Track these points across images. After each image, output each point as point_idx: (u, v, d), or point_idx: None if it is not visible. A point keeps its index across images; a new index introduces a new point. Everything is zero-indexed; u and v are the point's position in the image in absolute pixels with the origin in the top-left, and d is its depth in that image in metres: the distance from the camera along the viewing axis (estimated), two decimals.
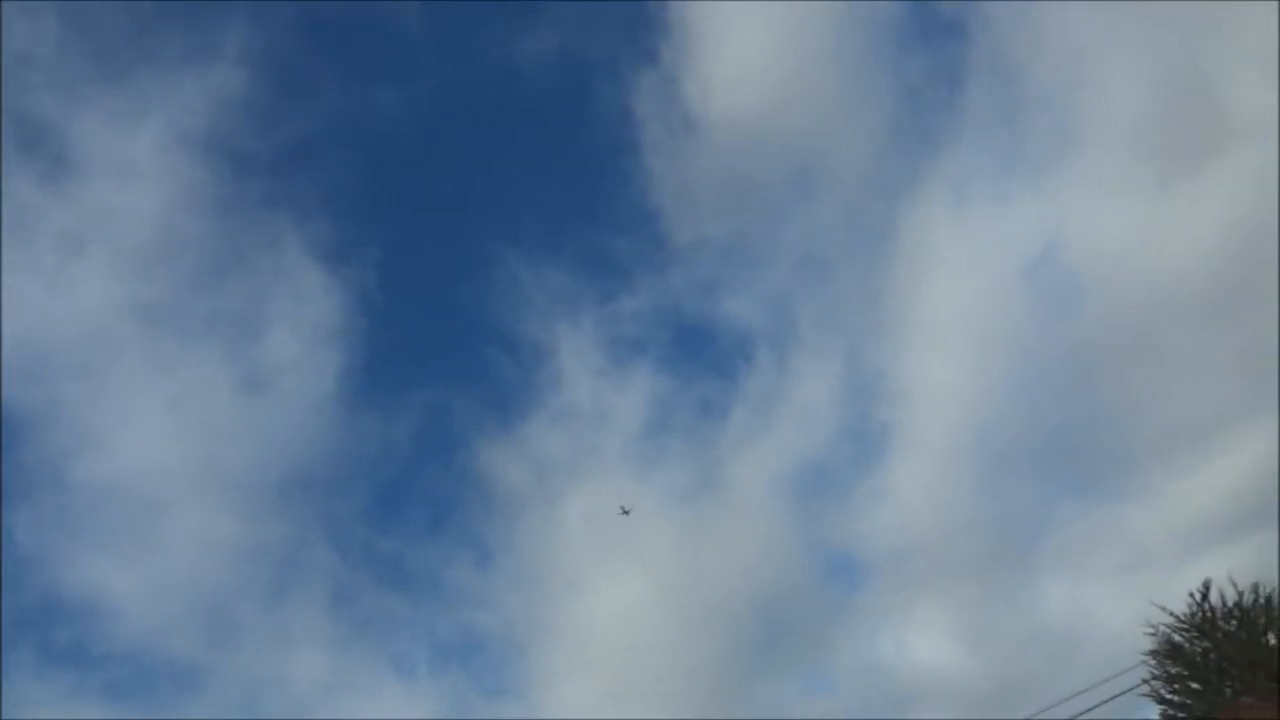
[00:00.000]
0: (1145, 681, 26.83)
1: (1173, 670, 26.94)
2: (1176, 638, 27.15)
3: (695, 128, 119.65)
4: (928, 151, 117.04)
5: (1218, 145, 79.83)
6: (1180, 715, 26.89)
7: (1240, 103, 78.23)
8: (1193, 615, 27.16)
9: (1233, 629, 26.14)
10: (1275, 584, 26.57)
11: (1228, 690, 25.22)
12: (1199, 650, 26.58)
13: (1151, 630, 27.61)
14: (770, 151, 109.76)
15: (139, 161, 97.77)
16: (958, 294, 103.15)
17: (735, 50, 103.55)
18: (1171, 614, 27.46)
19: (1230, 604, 26.60)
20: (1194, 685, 26.43)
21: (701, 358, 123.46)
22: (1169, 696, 27.18)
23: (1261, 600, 26.19)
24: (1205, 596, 27.26)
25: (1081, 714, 25.52)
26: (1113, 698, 25.21)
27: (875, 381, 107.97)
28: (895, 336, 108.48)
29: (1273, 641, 25.56)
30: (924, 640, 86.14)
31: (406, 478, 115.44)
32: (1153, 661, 27.05)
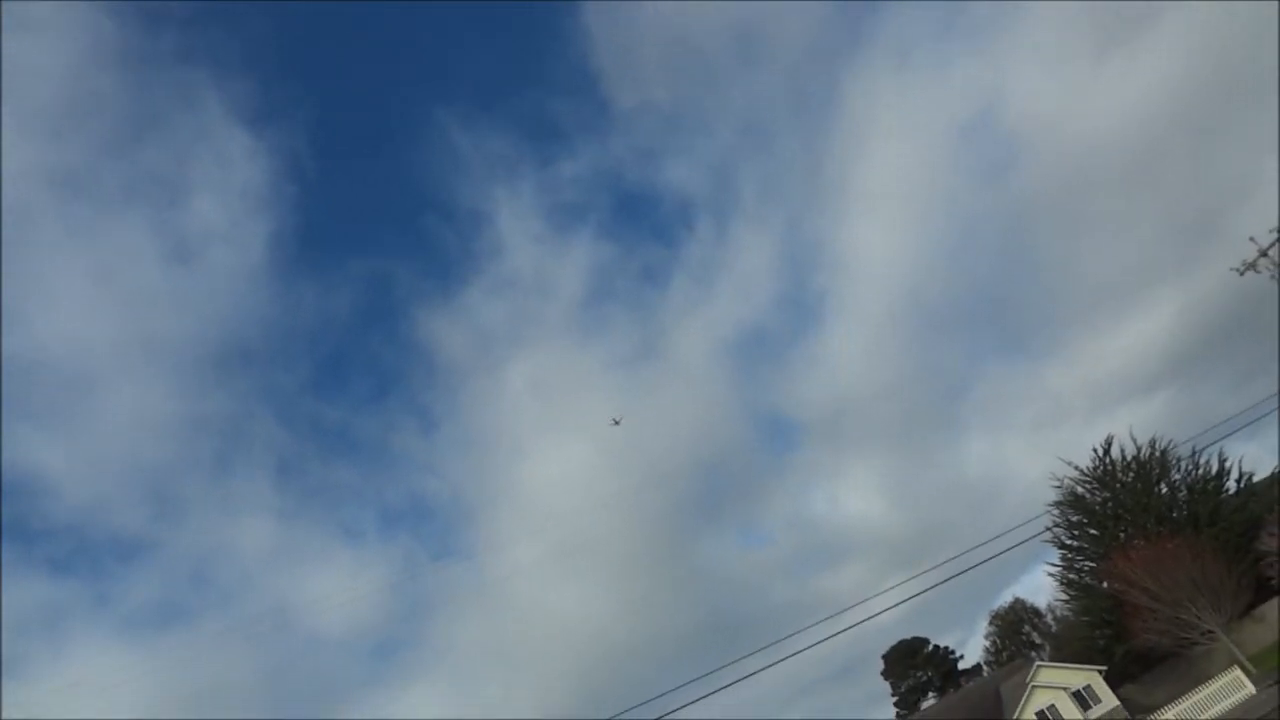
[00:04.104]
0: (1048, 529, 29.06)
1: (1074, 518, 29.18)
2: (1079, 489, 29.25)
3: None
4: (870, 14, 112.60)
5: (1152, 12, 78.76)
6: (1078, 558, 29.41)
7: None
8: (1095, 468, 29.19)
9: (1129, 480, 28.19)
10: (1171, 438, 28.51)
11: (1121, 534, 27.49)
12: (1099, 500, 28.73)
13: (1057, 483, 29.70)
14: (713, 15, 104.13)
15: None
16: (895, 159, 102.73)
17: None
18: (1076, 467, 29.47)
19: (1129, 458, 28.61)
20: (1092, 531, 28.74)
21: (643, 224, 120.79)
22: (1069, 542, 29.58)
23: (1158, 453, 28.18)
24: (1107, 451, 29.22)
25: (988, 559, 27.52)
26: (1019, 544, 27.15)
27: (813, 249, 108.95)
28: (834, 203, 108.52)
29: (1164, 490, 27.73)
30: (854, 494, 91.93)
31: (347, 347, 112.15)
32: (1056, 512, 29.20)
